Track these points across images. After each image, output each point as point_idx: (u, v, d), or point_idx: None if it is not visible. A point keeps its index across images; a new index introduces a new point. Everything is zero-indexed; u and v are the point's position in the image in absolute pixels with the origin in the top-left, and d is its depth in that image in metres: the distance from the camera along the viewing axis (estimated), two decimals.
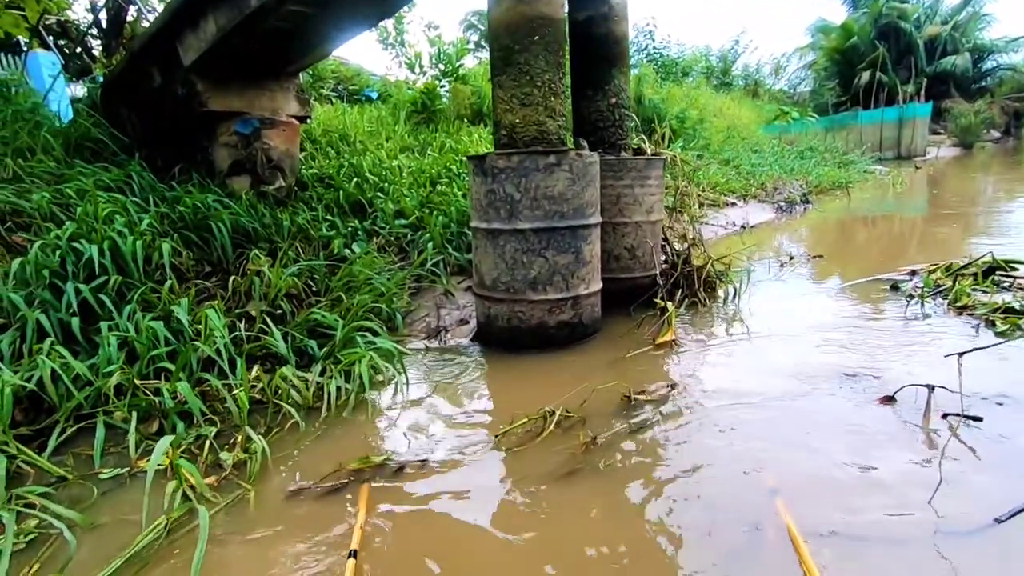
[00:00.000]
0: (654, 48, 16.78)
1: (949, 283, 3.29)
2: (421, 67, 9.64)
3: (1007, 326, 2.58)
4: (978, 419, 1.82)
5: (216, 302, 2.92)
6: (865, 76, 23.27)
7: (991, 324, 2.70)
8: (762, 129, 16.89)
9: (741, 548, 1.39)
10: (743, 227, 6.90)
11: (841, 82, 24.72)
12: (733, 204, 7.89)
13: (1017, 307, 2.79)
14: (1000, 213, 7.40)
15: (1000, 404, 1.97)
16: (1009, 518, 1.38)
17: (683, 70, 17.92)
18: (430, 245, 3.93)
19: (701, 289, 3.61)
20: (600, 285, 3.15)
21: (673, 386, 2.34)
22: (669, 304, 3.16)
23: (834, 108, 23.09)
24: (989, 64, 25.22)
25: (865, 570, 1.29)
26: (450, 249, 4.09)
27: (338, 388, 2.35)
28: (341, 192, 4.57)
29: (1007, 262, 3.48)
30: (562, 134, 3.01)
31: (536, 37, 2.82)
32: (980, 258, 3.46)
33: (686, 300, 3.59)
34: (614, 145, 3.69)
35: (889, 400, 2.04)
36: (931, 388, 1.93)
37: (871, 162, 14.51)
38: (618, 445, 1.93)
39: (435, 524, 1.60)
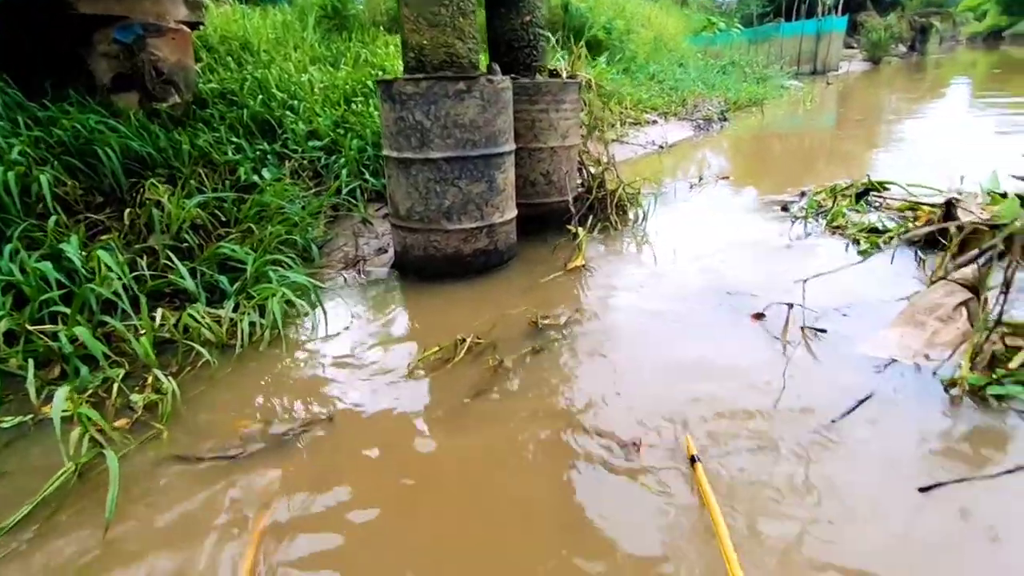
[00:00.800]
0: None
1: (830, 203, 3.63)
2: None
3: (868, 245, 2.93)
4: (823, 331, 2.13)
5: (112, 237, 2.76)
6: None
7: (856, 243, 3.05)
8: (689, 40, 16.80)
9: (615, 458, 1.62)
10: (662, 146, 7.08)
11: None
12: (654, 122, 8.02)
13: (879, 227, 3.16)
14: (899, 127, 7.98)
15: (845, 315, 2.29)
16: (842, 417, 1.68)
17: None
18: (345, 171, 3.81)
19: (613, 213, 3.78)
20: (515, 212, 3.23)
21: (578, 309, 2.53)
22: (580, 230, 3.31)
23: (759, 19, 23.15)
24: None
25: (731, 463, 1.55)
26: (367, 174, 3.99)
27: (252, 324, 2.37)
28: (246, 110, 4.26)
29: (881, 183, 3.86)
30: (473, 57, 2.93)
31: None
32: (859, 180, 3.80)
33: (599, 224, 3.75)
34: (529, 67, 3.64)
35: (759, 317, 2.32)
36: (790, 306, 2.21)
37: (787, 77, 14.94)
38: (523, 365, 2.11)
39: (349, 453, 1.73)
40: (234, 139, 3.98)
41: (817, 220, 3.53)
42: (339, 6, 7.33)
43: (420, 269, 3.05)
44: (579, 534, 1.35)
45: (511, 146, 3.08)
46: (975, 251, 2.06)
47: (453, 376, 2.07)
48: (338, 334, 2.48)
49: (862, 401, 1.73)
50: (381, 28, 7.62)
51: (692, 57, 14.60)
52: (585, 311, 2.56)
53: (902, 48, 25.63)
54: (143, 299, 2.33)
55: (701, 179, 4.99)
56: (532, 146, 3.58)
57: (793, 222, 3.52)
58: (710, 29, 19.93)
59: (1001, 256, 1.99)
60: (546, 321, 2.42)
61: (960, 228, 2.32)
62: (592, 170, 4.10)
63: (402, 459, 1.67)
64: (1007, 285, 1.76)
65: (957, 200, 2.81)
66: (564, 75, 3.77)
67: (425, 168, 2.84)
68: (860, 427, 1.65)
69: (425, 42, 2.80)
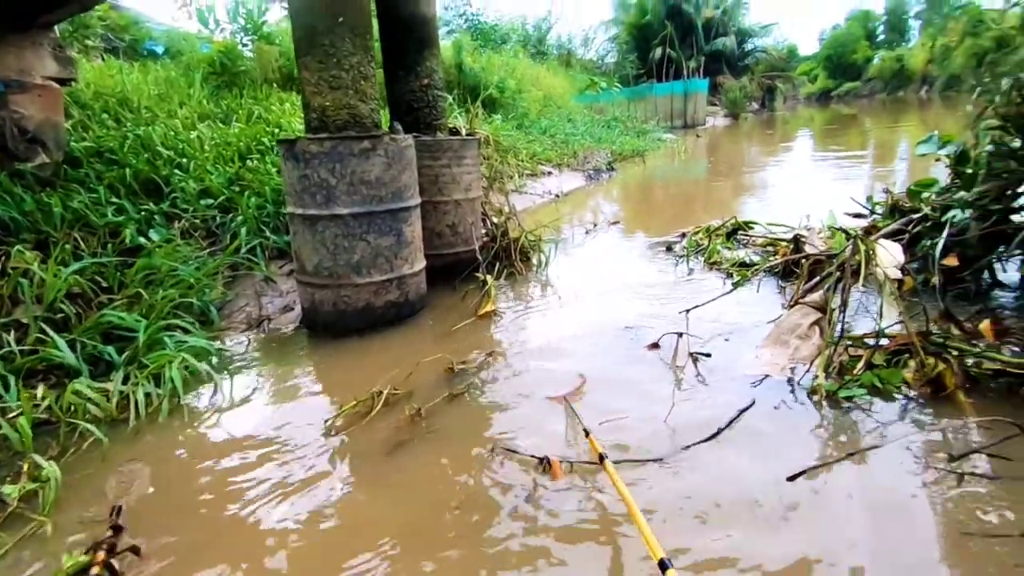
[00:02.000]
0: (472, 15, 16.89)
1: (706, 242, 4.08)
2: (216, 20, 8.56)
3: (739, 277, 3.33)
4: (707, 355, 2.39)
5: None
6: (658, 52, 26.15)
7: (730, 276, 3.46)
8: (575, 98, 18.20)
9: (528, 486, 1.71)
10: (558, 195, 7.55)
11: (640, 56, 27.42)
12: (549, 173, 8.54)
13: (747, 261, 3.61)
14: (760, 174, 9.10)
15: (727, 340, 2.59)
16: (728, 426, 1.89)
17: (501, 38, 18.39)
18: (244, 229, 3.71)
19: (517, 260, 3.98)
20: (424, 263, 3.32)
21: (492, 352, 2.63)
22: (488, 277, 3.45)
23: (634, 80, 25.63)
24: (749, 46, 29.95)
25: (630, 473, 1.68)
26: (268, 232, 3.91)
27: (147, 395, 2.22)
28: (128, 169, 4.03)
29: (746, 223, 4.41)
30: (375, 117, 3.05)
31: (341, 19, 2.79)
32: (728, 221, 4.32)
33: (504, 271, 3.92)
34: (430, 126, 3.82)
35: (655, 346, 2.56)
36: (679, 335, 2.46)
37: (663, 131, 16.57)
38: (441, 412, 2.15)
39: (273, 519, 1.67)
40: (115, 200, 3.74)
41: (697, 258, 3.94)
42: (228, 63, 7.22)
43: (331, 325, 3.02)
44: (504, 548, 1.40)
45: (417, 200, 3.19)
46: (816, 278, 2.44)
47: (371, 430, 2.07)
48: (245, 398, 2.38)
49: (744, 410, 1.97)
50: (275, 85, 7.57)
51: (579, 113, 15.83)
52: (499, 353, 2.67)
53: (755, 105, 29.41)
54: (12, 379, 2.12)
55: (595, 225, 5.39)
56: (437, 199, 3.72)
57: (677, 261, 3.92)
58: (593, 88, 21.76)
59: (838, 281, 2.37)
60: (462, 366, 2.49)
61: (806, 259, 2.74)
62: (495, 220, 4.31)
63: (318, 534, 1.64)
64: (844, 305, 2.12)
65: (802, 236, 3.30)
66: (463, 132, 3.99)
67: (332, 224, 2.87)
68: (741, 433, 1.87)
69: (328, 104, 2.88)
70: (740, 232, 4.30)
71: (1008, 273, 2.93)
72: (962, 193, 2.78)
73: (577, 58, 27.03)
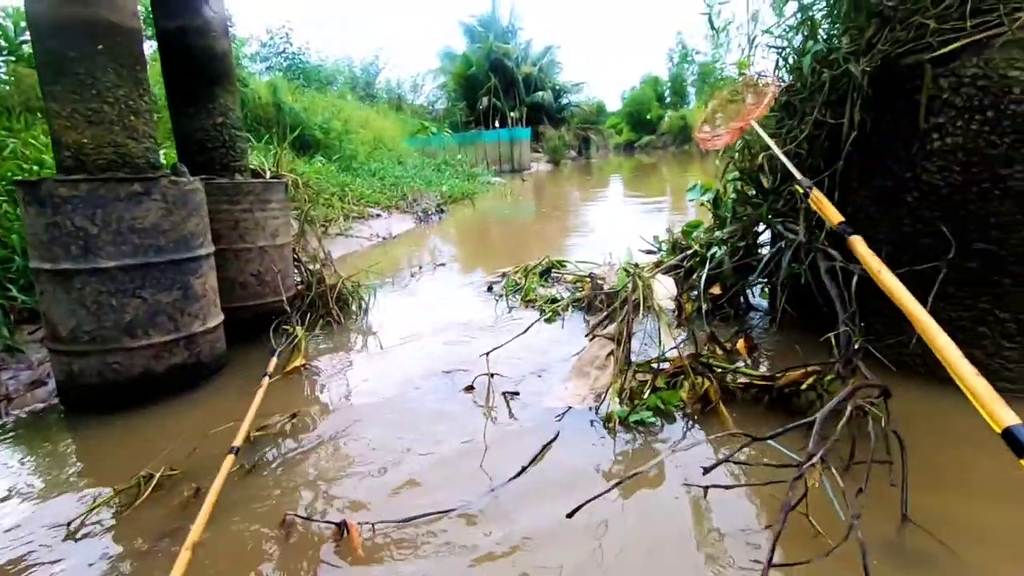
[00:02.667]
0: (292, 54, 16.30)
1: (523, 281, 4.29)
2: None
3: (551, 313, 3.55)
4: (516, 394, 2.47)
5: None
6: (484, 101, 27.76)
7: (543, 312, 3.66)
8: (406, 142, 18.40)
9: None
10: (386, 238, 7.45)
11: (468, 104, 28.85)
12: (378, 216, 8.42)
13: (558, 297, 3.86)
14: (582, 216, 9.93)
15: (539, 376, 2.71)
16: (531, 463, 1.94)
17: (326, 79, 17.99)
18: None
19: (334, 308, 3.78)
20: (221, 318, 2.98)
21: (295, 415, 2.41)
22: (298, 329, 3.21)
23: (464, 126, 26.81)
24: (564, 101, 33.25)
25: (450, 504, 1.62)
26: (15, 290, 3.22)
27: None
28: None
29: (559, 262, 4.74)
30: (152, 157, 2.71)
31: (100, 46, 2.46)
32: (542, 260, 4.61)
33: (320, 321, 3.70)
34: (228, 167, 3.51)
35: (470, 389, 2.57)
36: (491, 376, 2.52)
37: (492, 174, 17.45)
38: (228, 489, 1.89)
39: None
40: None
41: (515, 296, 4.12)
42: None
43: (97, 399, 2.53)
44: None
45: (209, 248, 2.87)
46: (604, 312, 2.69)
47: (134, 524, 1.73)
48: None
49: (548, 444, 2.04)
50: (39, 115, 6.42)
51: (411, 156, 16.00)
52: (305, 414, 2.46)
53: (573, 153, 32.54)
54: None
55: (421, 267, 5.38)
56: (238, 247, 3.40)
57: (497, 300, 4.05)
58: (424, 132, 22.24)
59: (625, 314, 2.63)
60: (259, 433, 2.24)
61: (602, 295, 3.02)
62: (312, 267, 4.07)
63: None
64: (628, 336, 2.35)
65: (597, 275, 3.64)
66: (268, 175, 3.74)
67: (94, 279, 2.44)
68: (548, 465, 1.94)
69: (86, 140, 2.49)
70: (554, 270, 4.61)
71: (757, 299, 3.53)
72: (718, 232, 3.31)
73: (408, 103, 27.53)
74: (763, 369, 2.58)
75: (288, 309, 3.41)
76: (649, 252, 4.72)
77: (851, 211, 2.63)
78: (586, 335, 2.66)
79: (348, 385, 2.83)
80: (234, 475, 1.96)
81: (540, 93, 30.20)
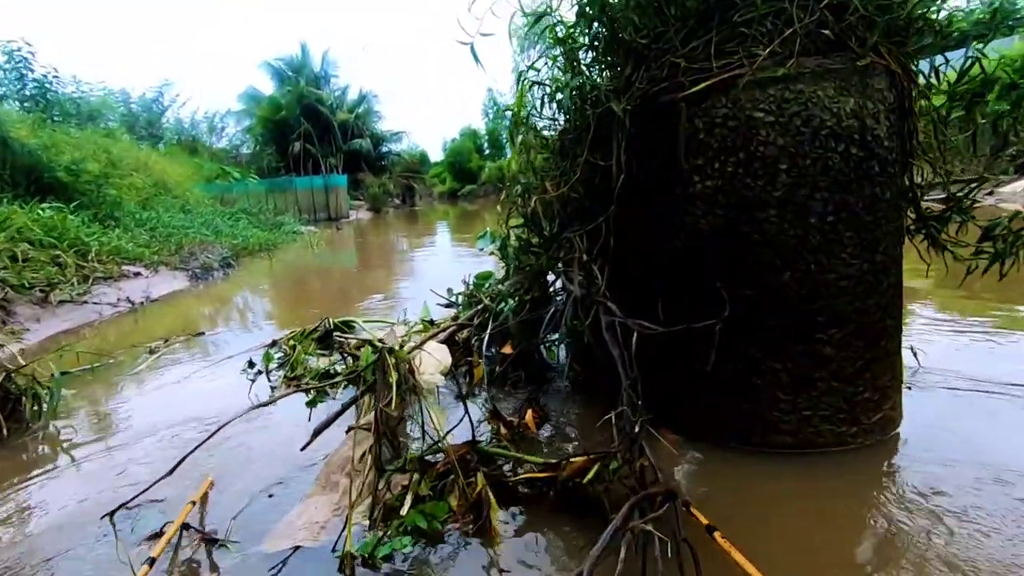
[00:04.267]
0: (38, 80, 13.44)
1: (296, 351, 3.51)
2: None
3: (316, 394, 2.84)
4: (214, 541, 1.71)
5: None
6: (297, 146, 26.13)
7: (308, 392, 2.94)
8: (201, 187, 16.19)
9: None
10: (141, 303, 6.02)
11: (278, 149, 26.87)
12: (137, 274, 6.87)
13: (331, 371, 3.17)
14: (394, 263, 9.27)
15: (272, 496, 1.99)
16: None
17: (90, 114, 15.18)
18: None
19: None
20: None
21: None
22: None
23: (274, 172, 24.79)
24: (384, 149, 32.86)
25: None
26: None
27: None
28: None
29: (345, 322, 4.06)
30: None
31: None
32: (321, 323, 3.88)
33: None
34: None
35: (156, 537, 1.75)
36: (192, 505, 1.74)
37: (300, 224, 16.06)
38: None
39: None
40: None
41: (280, 371, 3.33)
42: None
43: None
44: None
45: None
46: (358, 393, 2.10)
47: None
48: None
49: None
50: None
51: (204, 204, 14.00)
52: None
53: (396, 201, 32.02)
54: None
55: (167, 341, 4.25)
56: None
57: (253, 381, 3.21)
58: (224, 178, 19.97)
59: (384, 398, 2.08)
60: None
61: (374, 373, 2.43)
62: None
63: None
64: (378, 430, 1.78)
65: (375, 341, 3.05)
66: None
67: None
68: None
69: None
70: (338, 333, 3.90)
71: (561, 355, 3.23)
72: (501, 285, 2.96)
73: (205, 146, 24.69)
74: (554, 447, 2.20)
75: None
76: (449, 305, 4.28)
77: (628, 258, 2.44)
78: (316, 431, 1.97)
79: None
80: None
81: (358, 140, 29.38)
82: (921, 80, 2.20)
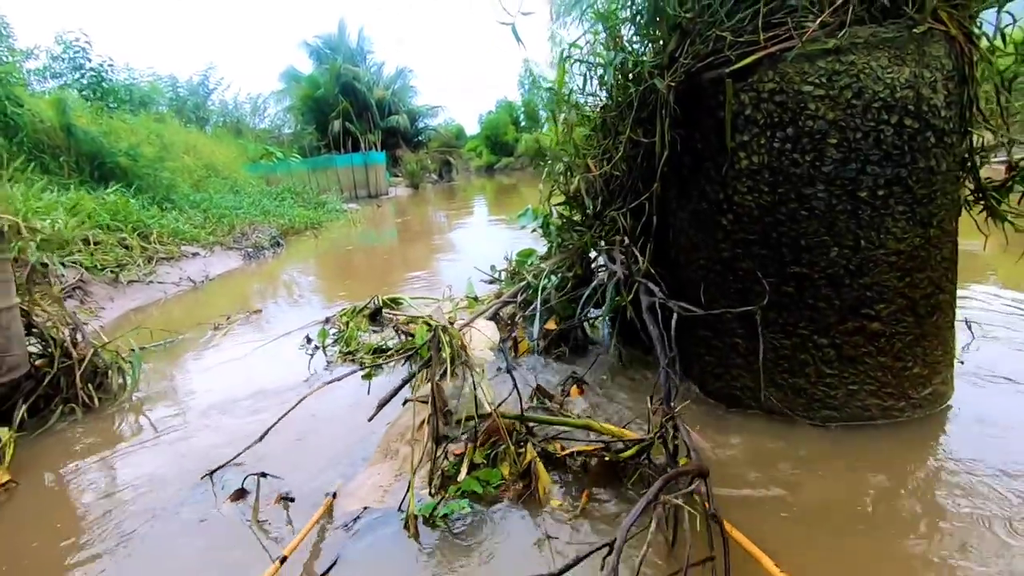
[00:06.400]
0: (93, 69, 14.04)
1: (346, 329, 3.69)
2: None
3: (370, 368, 3.00)
4: (291, 499, 1.89)
5: None
6: (336, 124, 26.48)
7: (364, 366, 3.10)
8: (247, 168, 16.68)
9: None
10: (202, 281, 6.37)
11: (318, 128, 27.28)
12: (195, 255, 7.24)
13: (384, 346, 3.33)
14: (435, 240, 9.44)
15: (338, 462, 2.15)
16: None
17: (141, 100, 15.78)
18: None
19: (83, 387, 2.89)
20: None
21: None
22: (4, 430, 2.33)
23: (315, 151, 25.26)
24: (421, 124, 32.91)
25: None
26: None
27: None
28: None
29: (392, 300, 4.21)
30: None
31: None
32: (370, 300, 4.05)
33: (60, 407, 2.80)
34: None
35: (239, 496, 1.94)
36: (262, 475, 1.92)
37: (343, 201, 16.41)
38: None
39: None
40: None
41: (335, 346, 3.51)
42: None
43: None
44: None
45: None
46: (415, 368, 2.23)
47: None
48: None
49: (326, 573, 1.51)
50: None
51: (250, 184, 14.46)
52: None
53: (434, 176, 32.20)
54: None
55: (229, 318, 4.52)
56: None
57: (311, 355, 3.40)
58: (268, 158, 20.48)
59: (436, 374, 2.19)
60: None
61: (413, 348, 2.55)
62: (56, 334, 3.12)
63: None
64: (435, 404, 1.90)
65: (425, 318, 3.18)
66: None
67: None
68: None
69: None
70: (386, 310, 4.07)
71: (606, 329, 3.28)
72: (544, 263, 3.02)
73: (249, 127, 25.31)
74: (600, 416, 2.28)
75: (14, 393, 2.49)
76: (493, 281, 4.38)
77: (672, 236, 2.46)
78: (380, 404, 2.11)
79: (65, 512, 2.04)
80: None
81: (395, 117, 29.55)
82: (984, 43, 2.11)
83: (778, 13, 1.99)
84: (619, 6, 2.51)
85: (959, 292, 2.19)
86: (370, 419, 1.98)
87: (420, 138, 32.52)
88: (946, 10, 1.92)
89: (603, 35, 2.53)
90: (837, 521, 1.58)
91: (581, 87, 2.64)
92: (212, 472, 2.09)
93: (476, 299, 4.06)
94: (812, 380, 2.06)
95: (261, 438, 2.09)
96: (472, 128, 46.04)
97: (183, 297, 5.82)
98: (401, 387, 2.06)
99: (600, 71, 2.59)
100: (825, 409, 2.06)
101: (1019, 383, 2.26)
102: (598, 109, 2.78)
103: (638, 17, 2.41)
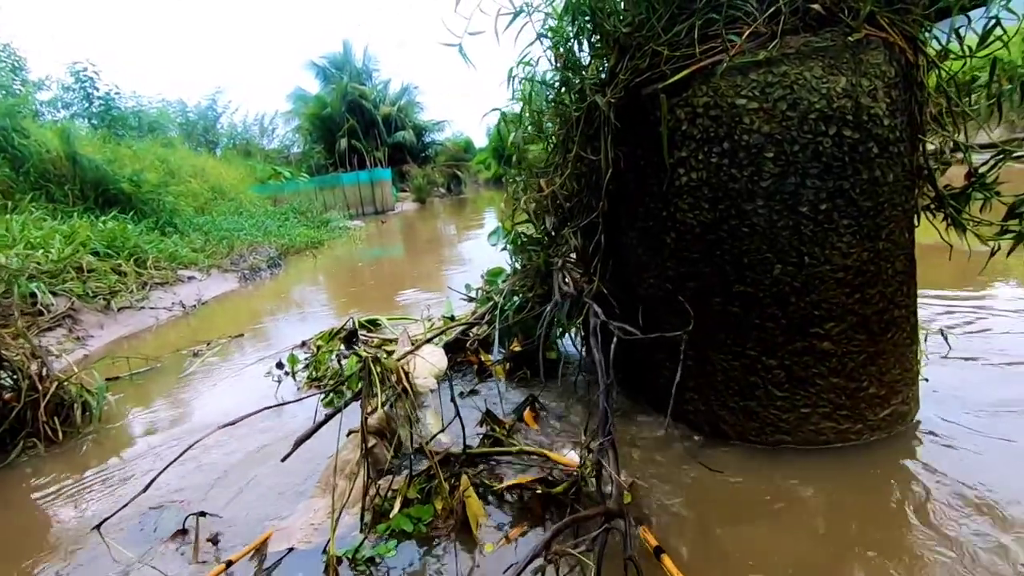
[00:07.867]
0: (101, 97, 14.41)
1: (322, 351, 3.67)
2: None
3: (333, 396, 2.96)
4: (214, 542, 1.84)
5: None
6: (343, 143, 26.81)
7: (331, 394, 3.06)
8: (255, 189, 16.93)
9: None
10: (194, 306, 6.42)
11: (326, 146, 27.64)
12: (191, 279, 7.31)
13: (347, 374, 3.29)
14: (433, 258, 9.43)
15: (281, 494, 2.11)
16: None
17: (150, 126, 16.15)
18: None
19: (47, 420, 2.89)
20: None
21: None
22: None
23: (322, 169, 25.59)
24: (427, 139, 33.15)
25: None
26: None
27: None
28: None
29: (371, 321, 4.19)
30: None
31: None
32: (345, 323, 4.02)
33: (23, 441, 2.80)
34: None
35: (181, 534, 1.90)
36: (200, 514, 1.88)
37: (347, 218, 16.54)
38: None
39: None
40: None
41: (305, 372, 3.49)
42: None
43: None
44: None
45: None
46: (341, 403, 2.18)
47: None
48: None
49: None
50: None
51: (256, 205, 14.66)
52: None
53: (441, 190, 32.36)
54: None
55: (209, 344, 4.53)
56: None
57: (279, 382, 3.38)
58: (277, 178, 20.80)
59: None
60: None
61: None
62: (29, 367, 3.13)
63: None
64: (364, 436, 1.84)
65: (386, 340, 3.14)
66: None
67: None
68: None
69: None
70: (363, 332, 4.04)
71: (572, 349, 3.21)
72: (502, 283, 2.97)
73: (258, 147, 25.74)
74: (558, 443, 2.21)
75: None
76: (472, 300, 4.34)
77: (622, 255, 2.39)
78: (297, 442, 2.04)
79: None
80: None
81: (401, 133, 29.81)
82: (936, 47, 2.02)
83: (714, 26, 1.93)
84: (565, 23, 2.47)
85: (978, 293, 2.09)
86: (283, 459, 1.94)
87: (427, 152, 32.75)
88: (886, 16, 1.85)
89: (549, 53, 2.49)
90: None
91: (528, 105, 2.59)
92: (101, 523, 2.02)
93: (453, 319, 4.01)
94: (763, 403, 1.97)
95: (147, 487, 2.02)
96: (480, 140, 46.25)
97: (177, 322, 5.86)
98: (321, 425, 2.01)
99: (546, 89, 2.55)
100: (778, 433, 1.97)
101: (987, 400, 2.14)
102: (549, 127, 2.74)
103: (581, 34, 2.37)
